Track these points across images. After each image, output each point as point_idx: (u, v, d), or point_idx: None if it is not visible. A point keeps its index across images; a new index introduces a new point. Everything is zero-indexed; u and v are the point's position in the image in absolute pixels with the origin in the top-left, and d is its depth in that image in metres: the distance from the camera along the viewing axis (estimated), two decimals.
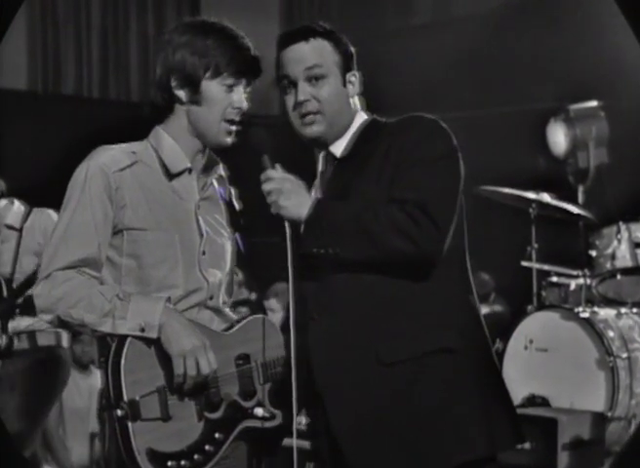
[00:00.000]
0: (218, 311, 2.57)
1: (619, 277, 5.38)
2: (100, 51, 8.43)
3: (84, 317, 2.38)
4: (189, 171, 2.54)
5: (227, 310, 2.61)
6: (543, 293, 5.75)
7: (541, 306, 5.44)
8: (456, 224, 2.45)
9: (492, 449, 2.46)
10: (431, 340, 2.42)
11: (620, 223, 5.32)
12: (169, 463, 2.34)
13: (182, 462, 2.36)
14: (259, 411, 2.51)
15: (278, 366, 2.57)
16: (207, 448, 2.40)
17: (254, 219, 2.62)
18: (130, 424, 2.30)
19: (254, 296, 5.63)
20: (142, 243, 2.46)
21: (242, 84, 2.52)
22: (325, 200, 2.45)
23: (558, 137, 7.42)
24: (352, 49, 2.58)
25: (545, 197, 5.48)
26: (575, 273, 5.61)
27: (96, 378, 5.57)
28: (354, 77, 2.57)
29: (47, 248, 2.48)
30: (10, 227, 4.24)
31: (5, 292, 4.16)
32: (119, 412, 2.31)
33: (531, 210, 5.58)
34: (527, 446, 4.48)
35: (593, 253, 5.42)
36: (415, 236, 2.34)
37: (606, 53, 6.97)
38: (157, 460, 2.32)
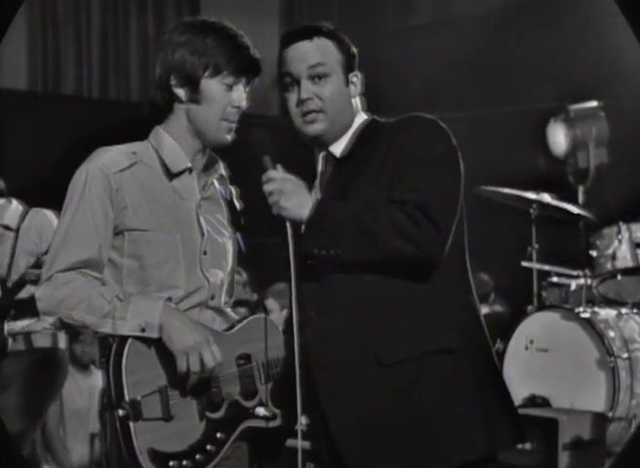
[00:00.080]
0: (219, 311, 2.57)
1: (619, 277, 5.38)
2: (99, 51, 8.43)
3: (84, 318, 2.38)
4: (190, 170, 2.54)
5: (229, 310, 2.62)
6: (544, 294, 5.76)
7: (542, 306, 5.44)
8: (456, 224, 2.45)
9: (492, 450, 2.46)
10: (431, 341, 2.42)
11: (621, 223, 5.32)
12: (170, 463, 2.34)
13: (184, 462, 2.36)
14: (260, 411, 2.51)
15: (279, 365, 2.57)
16: (208, 447, 2.41)
17: (255, 220, 2.62)
18: (131, 424, 2.31)
19: (254, 297, 5.63)
20: (144, 243, 2.46)
21: (242, 83, 2.52)
22: (326, 200, 2.45)
23: (558, 138, 7.42)
24: (354, 49, 2.58)
25: (546, 197, 5.48)
26: (575, 273, 5.61)
27: (96, 378, 5.57)
28: (356, 77, 2.58)
29: (49, 250, 2.49)
30: (6, 227, 4.23)
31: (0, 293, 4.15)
32: (121, 412, 2.31)
33: (531, 210, 5.58)
34: (527, 446, 4.48)
35: (594, 253, 5.42)
36: (415, 237, 2.34)
37: (606, 53, 6.96)
38: (159, 460, 2.33)
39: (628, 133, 7.12)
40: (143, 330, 2.36)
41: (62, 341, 4.31)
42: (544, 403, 4.99)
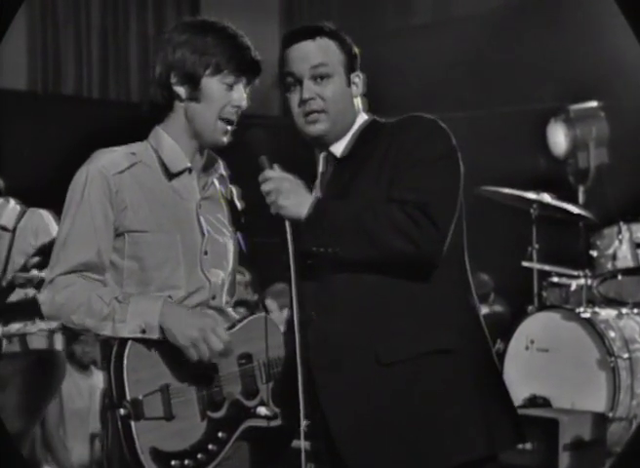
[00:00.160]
0: (220, 311, 2.56)
1: (620, 277, 5.38)
2: (99, 51, 8.43)
3: (85, 322, 2.39)
4: (189, 170, 2.54)
5: (230, 310, 2.61)
6: (544, 294, 5.75)
7: (542, 306, 5.43)
8: (455, 224, 2.45)
9: (491, 449, 2.45)
10: (430, 341, 2.42)
11: (621, 223, 5.31)
12: (172, 462, 2.34)
13: (186, 461, 2.36)
14: (261, 411, 2.51)
15: (281, 365, 2.57)
16: (210, 447, 2.40)
17: (255, 220, 2.62)
18: (133, 423, 2.30)
19: (254, 297, 5.63)
20: (144, 244, 2.45)
21: (242, 83, 2.51)
22: (325, 199, 2.45)
23: (558, 138, 7.42)
24: (356, 49, 2.58)
25: (546, 197, 5.48)
26: (576, 273, 5.60)
27: (96, 379, 5.57)
28: (358, 78, 2.58)
29: (51, 253, 2.49)
30: (3, 228, 4.21)
31: None
32: (122, 412, 2.31)
33: (531, 210, 5.58)
34: (528, 446, 4.48)
35: (594, 253, 5.42)
36: (415, 237, 2.34)
37: (606, 53, 6.96)
38: (161, 459, 2.32)
39: (628, 133, 7.12)
40: (144, 331, 2.36)
41: (59, 343, 4.29)
42: (545, 403, 4.99)
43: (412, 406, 2.39)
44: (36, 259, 3.97)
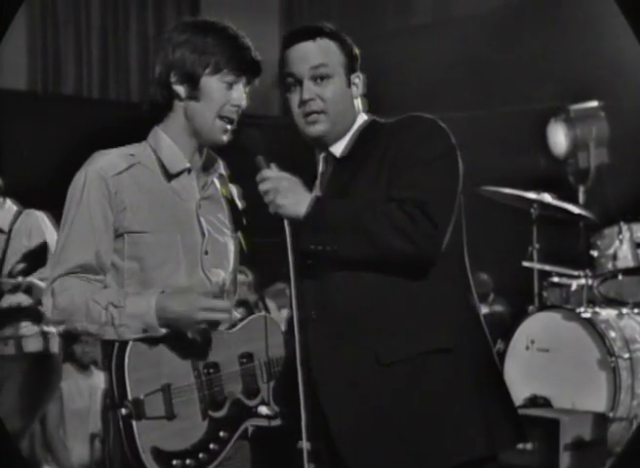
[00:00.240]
0: None
1: (620, 277, 5.38)
2: (100, 51, 8.43)
3: (88, 328, 2.39)
4: (188, 171, 2.54)
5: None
6: (545, 294, 5.75)
7: (543, 306, 5.43)
8: (454, 223, 2.45)
9: (491, 449, 2.45)
10: (430, 340, 2.41)
11: (622, 223, 5.31)
12: (174, 462, 2.34)
13: (187, 461, 2.36)
14: (263, 410, 2.51)
15: (282, 364, 2.57)
16: (212, 446, 2.40)
17: (256, 220, 2.62)
18: (134, 423, 2.30)
19: (255, 297, 5.64)
20: (144, 245, 2.45)
21: (242, 82, 2.51)
22: (323, 198, 2.45)
23: (558, 138, 7.43)
24: (357, 50, 2.58)
25: (547, 197, 5.47)
26: (576, 273, 5.60)
27: (96, 379, 5.57)
28: (358, 78, 2.57)
29: (52, 255, 2.50)
30: None
31: None
32: (123, 411, 2.31)
33: (532, 210, 5.58)
34: (529, 446, 4.48)
35: (595, 253, 5.41)
36: (413, 235, 2.34)
37: (606, 53, 6.97)
38: (162, 459, 2.32)
39: (629, 133, 7.13)
40: (145, 331, 2.36)
41: (55, 346, 4.28)
42: (546, 403, 4.99)
43: (412, 405, 2.39)
44: (21, 266, 3.96)
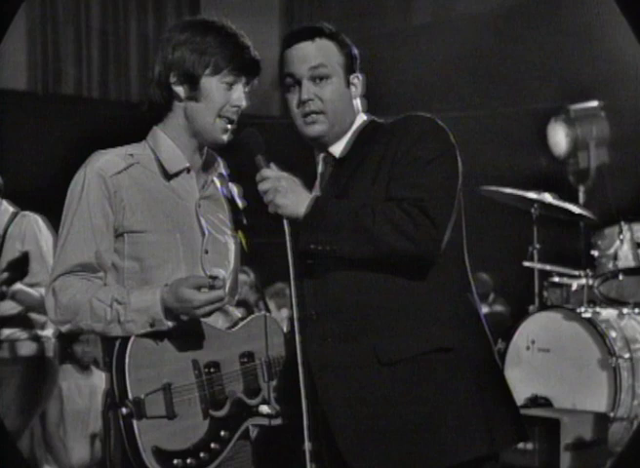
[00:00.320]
0: (222, 310, 2.55)
1: (621, 277, 5.37)
2: (100, 51, 8.43)
3: (93, 327, 2.39)
4: (188, 170, 2.54)
5: (232, 309, 2.61)
6: (545, 294, 5.75)
7: (543, 306, 5.43)
8: (454, 222, 2.45)
9: (492, 448, 2.45)
10: (430, 339, 2.41)
11: (623, 223, 5.31)
12: (175, 461, 2.34)
13: (189, 460, 2.36)
14: (264, 409, 2.51)
15: (282, 363, 2.57)
16: (213, 445, 2.40)
17: (256, 220, 2.61)
18: (135, 422, 2.30)
19: (255, 297, 5.64)
20: (144, 245, 2.45)
21: (241, 82, 2.51)
22: (323, 197, 2.45)
23: (559, 138, 7.43)
24: (356, 51, 2.58)
25: (547, 197, 5.47)
26: (577, 273, 5.60)
27: (96, 379, 5.57)
28: (357, 79, 2.57)
29: (53, 256, 2.50)
30: None
31: None
32: (124, 411, 2.30)
33: (532, 210, 5.57)
34: (529, 446, 4.48)
35: (595, 253, 5.41)
36: (412, 234, 2.33)
37: (606, 53, 6.97)
38: (163, 458, 2.32)
39: (629, 133, 7.13)
40: (152, 325, 2.35)
41: (50, 349, 4.26)
42: (546, 403, 4.99)
43: (413, 404, 2.39)
44: (5, 275, 3.94)
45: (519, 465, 4.42)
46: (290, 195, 2.38)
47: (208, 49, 2.46)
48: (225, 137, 2.52)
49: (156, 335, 2.37)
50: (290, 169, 2.46)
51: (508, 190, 5.53)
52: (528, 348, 5.17)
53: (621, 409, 4.88)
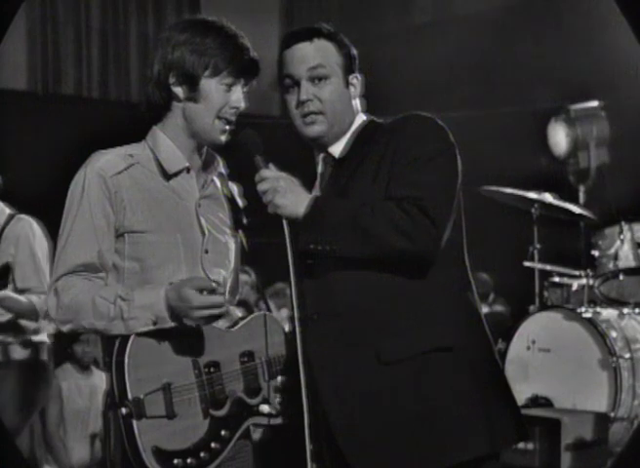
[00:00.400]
0: None
1: (621, 277, 5.37)
2: (100, 51, 8.43)
3: (95, 325, 2.39)
4: (187, 170, 2.53)
5: (232, 309, 2.61)
6: (546, 294, 5.75)
7: (544, 306, 5.43)
8: (454, 221, 2.45)
9: (493, 447, 2.45)
10: (430, 338, 2.41)
11: (623, 223, 5.31)
12: (175, 461, 2.33)
13: (189, 460, 2.35)
14: (264, 408, 2.51)
15: (283, 362, 2.57)
16: (213, 445, 2.40)
17: (256, 220, 2.61)
18: (135, 422, 2.30)
19: (255, 297, 5.63)
20: (144, 245, 2.45)
21: (240, 83, 2.51)
22: (322, 197, 2.45)
23: (559, 138, 7.44)
24: (355, 51, 2.58)
25: (548, 197, 5.47)
26: (577, 273, 5.60)
27: (96, 379, 5.57)
28: (356, 79, 2.57)
29: (53, 257, 2.50)
30: None
31: None
32: (124, 411, 2.30)
33: (533, 210, 5.58)
34: (530, 446, 4.48)
35: (596, 253, 5.41)
36: (411, 233, 2.34)
37: (606, 53, 6.97)
38: (163, 458, 2.32)
39: (629, 132, 7.13)
40: (155, 323, 2.35)
41: (45, 352, 4.24)
42: (547, 403, 4.99)
43: (413, 404, 2.39)
44: None
45: (519, 465, 4.42)
46: (289, 195, 2.38)
47: (208, 50, 2.46)
48: (224, 138, 2.52)
49: (156, 335, 2.37)
50: (289, 169, 2.46)
51: (509, 190, 5.53)
52: (528, 348, 5.16)
53: (622, 410, 4.87)
